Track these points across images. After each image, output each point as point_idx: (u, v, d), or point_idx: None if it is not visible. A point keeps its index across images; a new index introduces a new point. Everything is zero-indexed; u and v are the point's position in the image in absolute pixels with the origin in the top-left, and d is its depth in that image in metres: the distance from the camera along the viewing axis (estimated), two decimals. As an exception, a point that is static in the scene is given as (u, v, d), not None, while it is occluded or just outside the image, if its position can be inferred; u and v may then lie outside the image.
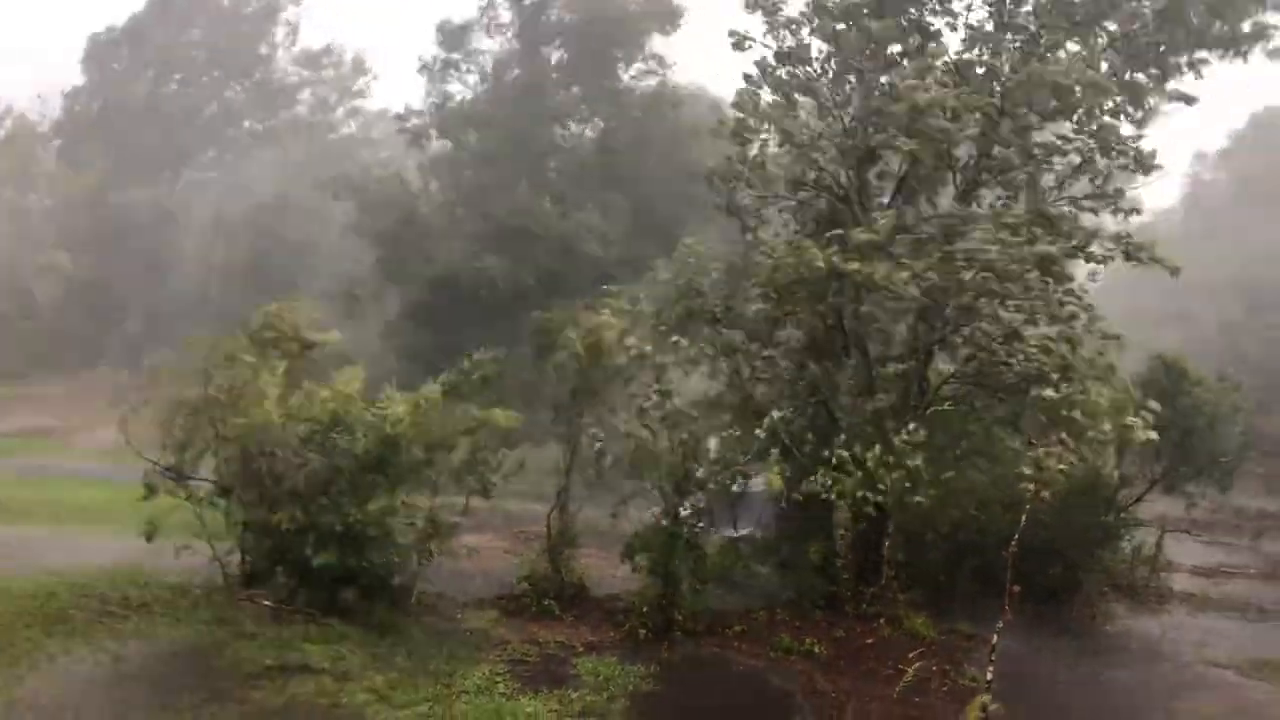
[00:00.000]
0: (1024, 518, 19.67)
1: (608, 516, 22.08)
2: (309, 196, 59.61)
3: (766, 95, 23.95)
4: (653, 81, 50.73)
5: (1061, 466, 17.87)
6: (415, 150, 53.71)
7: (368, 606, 19.03)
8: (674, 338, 22.33)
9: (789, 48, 24.29)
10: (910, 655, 19.06)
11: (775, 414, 21.85)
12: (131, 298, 69.80)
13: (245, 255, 64.59)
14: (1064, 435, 18.62)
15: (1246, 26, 23.97)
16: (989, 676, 15.66)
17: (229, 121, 76.45)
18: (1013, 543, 16.94)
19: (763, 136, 23.23)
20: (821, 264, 20.54)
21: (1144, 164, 22.83)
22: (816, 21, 24.14)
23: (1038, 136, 23.59)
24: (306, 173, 64.20)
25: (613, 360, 21.95)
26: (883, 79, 23.68)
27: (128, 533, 19.00)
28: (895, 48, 23.93)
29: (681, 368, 22.69)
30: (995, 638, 15.72)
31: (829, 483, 20.07)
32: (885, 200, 24.18)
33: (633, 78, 50.91)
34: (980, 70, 23.79)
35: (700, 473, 20.54)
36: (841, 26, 23.86)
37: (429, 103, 52.54)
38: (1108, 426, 19.30)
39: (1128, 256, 23.01)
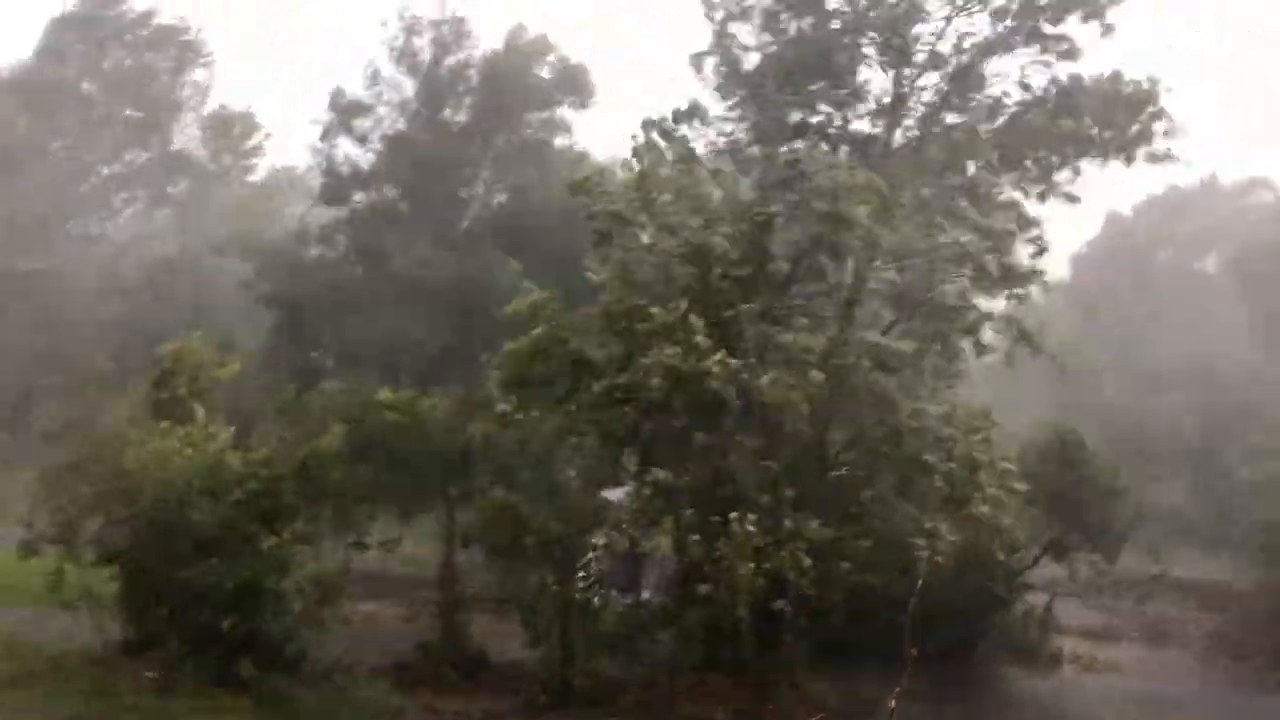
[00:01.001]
0: (919, 582, 20.13)
1: (507, 582, 21.79)
2: (206, 257, 58.37)
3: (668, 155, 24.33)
4: (561, 146, 51.16)
5: (951, 537, 18.41)
6: (317, 210, 53.08)
7: (259, 677, 18.37)
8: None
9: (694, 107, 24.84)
10: (812, 720, 19.15)
11: (660, 473, 21.59)
12: (8, 356, 66.97)
13: (136, 316, 62.69)
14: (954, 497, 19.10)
15: (1134, 129, 25.28)
16: (888, 740, 15.78)
17: (124, 181, 74.57)
18: (910, 606, 17.24)
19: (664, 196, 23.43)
20: (714, 371, 20.55)
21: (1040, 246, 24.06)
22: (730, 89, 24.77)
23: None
24: (205, 232, 62.90)
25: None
26: (783, 149, 24.33)
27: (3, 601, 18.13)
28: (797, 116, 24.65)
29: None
30: (893, 702, 15.88)
31: (725, 550, 19.94)
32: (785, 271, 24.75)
33: (542, 143, 51.22)
34: (880, 146, 24.75)
35: (593, 538, 20.35)
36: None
37: (323, 165, 51.82)
38: (992, 490, 19.88)
39: (1018, 341, 24.11)
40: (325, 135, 50.09)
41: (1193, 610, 33.67)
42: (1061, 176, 25.80)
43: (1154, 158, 25.68)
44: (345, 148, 50.80)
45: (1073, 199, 25.70)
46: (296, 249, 49.33)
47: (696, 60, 26.25)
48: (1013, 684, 25.08)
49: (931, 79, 25.70)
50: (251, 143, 77.53)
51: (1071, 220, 28.99)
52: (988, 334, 24.76)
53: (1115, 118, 25.18)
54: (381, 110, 51.12)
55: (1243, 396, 46.82)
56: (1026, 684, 25.18)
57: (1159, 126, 25.27)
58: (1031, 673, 25.96)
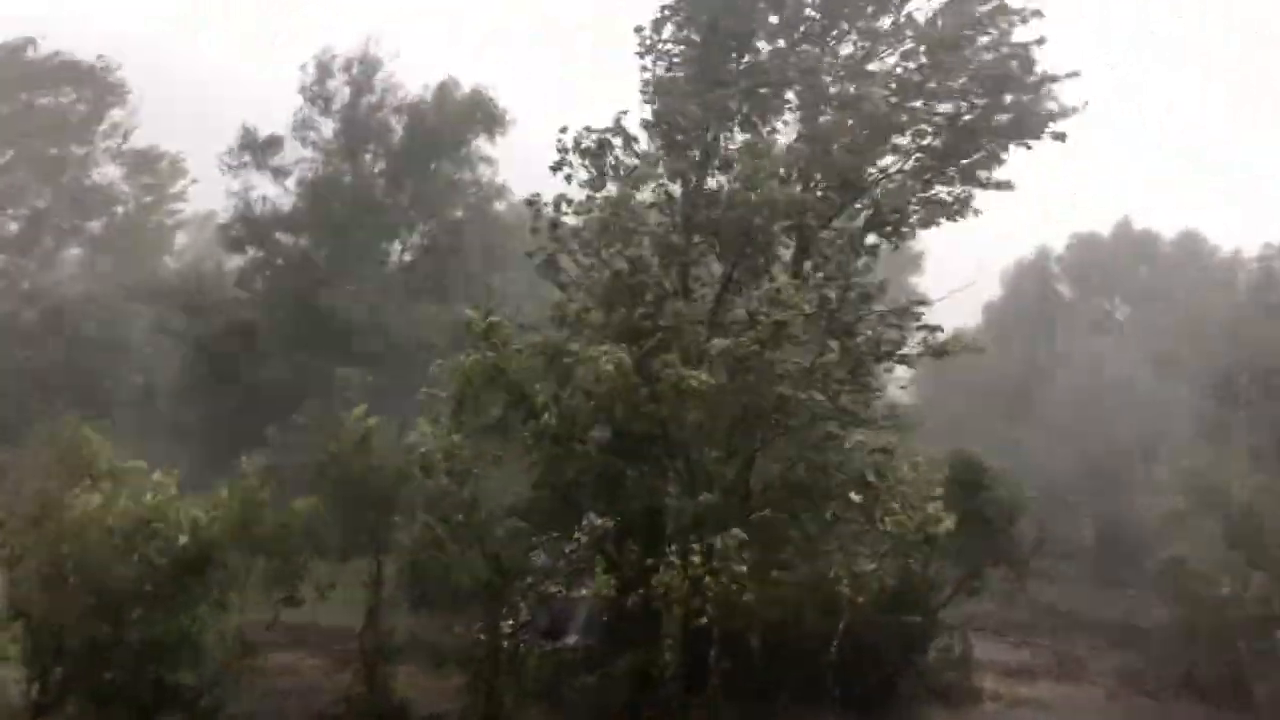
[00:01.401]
0: (841, 624, 20.38)
1: (433, 629, 21.49)
2: (118, 300, 56.98)
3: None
4: (480, 180, 51.39)
5: (872, 566, 18.68)
6: (236, 253, 52.31)
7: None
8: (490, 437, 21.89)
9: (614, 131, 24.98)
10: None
11: (594, 518, 21.57)
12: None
13: (45, 361, 60.78)
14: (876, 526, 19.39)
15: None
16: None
17: (36, 224, 72.46)
18: (832, 648, 17.47)
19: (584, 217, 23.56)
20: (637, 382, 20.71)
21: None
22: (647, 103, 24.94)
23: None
24: (119, 275, 61.44)
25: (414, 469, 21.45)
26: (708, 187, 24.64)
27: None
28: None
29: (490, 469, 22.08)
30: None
31: (657, 591, 19.96)
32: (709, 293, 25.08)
33: (458, 178, 51.39)
34: (798, 178, 25.15)
35: (519, 583, 20.14)
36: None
37: (238, 207, 51.04)
38: (913, 520, 20.24)
39: (935, 354, 24.71)
40: (234, 172, 49.63)
41: (1102, 647, 34.53)
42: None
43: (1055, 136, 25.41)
44: (264, 188, 50.44)
45: (1004, 186, 25.77)
46: (213, 291, 48.69)
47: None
48: (934, 723, 25.38)
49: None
50: (177, 186, 75.94)
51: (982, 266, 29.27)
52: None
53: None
54: (301, 152, 50.92)
55: (1148, 435, 48.58)
56: (948, 723, 25.52)
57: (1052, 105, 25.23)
58: (953, 711, 26.30)
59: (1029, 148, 25.17)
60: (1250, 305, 50.68)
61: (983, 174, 25.57)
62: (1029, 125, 24.89)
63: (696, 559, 19.87)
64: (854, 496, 20.86)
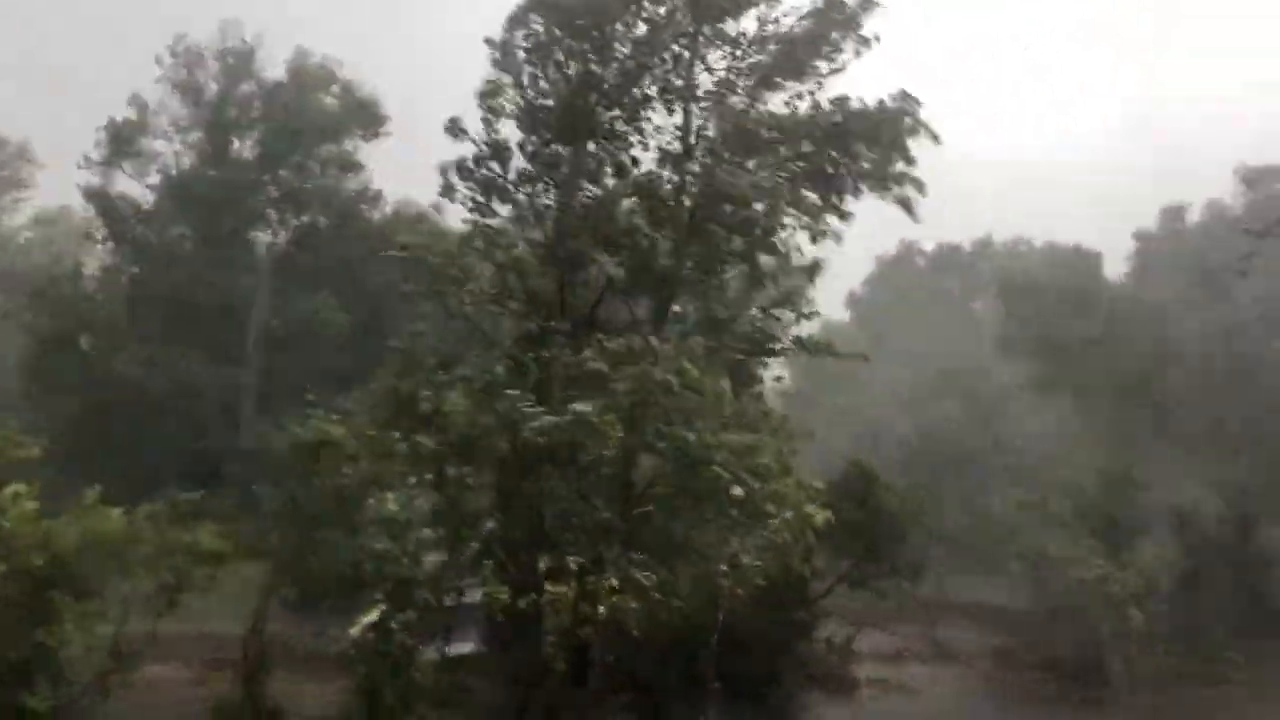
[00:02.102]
0: (720, 616, 20.58)
1: (314, 636, 20.93)
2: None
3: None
4: (354, 183, 50.15)
5: (753, 561, 18.92)
6: (99, 248, 50.03)
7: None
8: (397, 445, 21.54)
9: (490, 147, 24.95)
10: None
11: (489, 524, 21.54)
12: None
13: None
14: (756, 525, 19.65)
15: (899, 166, 26.25)
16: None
17: None
18: (712, 641, 17.52)
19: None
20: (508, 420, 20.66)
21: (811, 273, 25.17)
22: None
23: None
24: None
25: (331, 474, 21.01)
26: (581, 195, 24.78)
27: None
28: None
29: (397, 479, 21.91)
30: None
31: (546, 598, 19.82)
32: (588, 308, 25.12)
33: (332, 177, 50.03)
34: (669, 186, 25.38)
35: (412, 588, 19.74)
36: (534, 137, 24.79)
37: (98, 199, 48.67)
38: (790, 514, 20.58)
39: (809, 351, 25.27)
40: (95, 164, 47.29)
41: (974, 632, 35.84)
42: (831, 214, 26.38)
43: (915, 186, 25.53)
44: (124, 183, 48.24)
45: (845, 214, 26.25)
46: (65, 284, 46.41)
47: (487, 99, 25.87)
48: (815, 710, 25.89)
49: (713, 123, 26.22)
50: (24, 174, 72.15)
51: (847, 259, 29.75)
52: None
53: (877, 149, 25.40)
54: (162, 145, 48.81)
55: (1011, 427, 50.60)
56: (829, 709, 26.05)
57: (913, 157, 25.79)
58: (833, 698, 26.88)
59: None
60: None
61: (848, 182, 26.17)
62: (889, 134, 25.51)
63: (580, 574, 19.65)
64: (736, 491, 21.04)
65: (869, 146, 25.76)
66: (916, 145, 25.50)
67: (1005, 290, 53.65)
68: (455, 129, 25.38)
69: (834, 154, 25.73)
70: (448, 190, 25.76)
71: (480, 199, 25.63)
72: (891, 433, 50.08)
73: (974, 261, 72.86)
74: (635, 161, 25.92)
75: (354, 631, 20.22)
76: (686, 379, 20.94)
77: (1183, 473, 36.56)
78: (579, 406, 20.08)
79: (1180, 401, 42.40)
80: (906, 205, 25.59)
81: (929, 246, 73.81)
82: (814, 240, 25.99)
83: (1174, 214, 54.28)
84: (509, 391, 20.89)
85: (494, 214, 25.84)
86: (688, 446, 21.12)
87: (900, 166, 25.53)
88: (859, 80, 26.36)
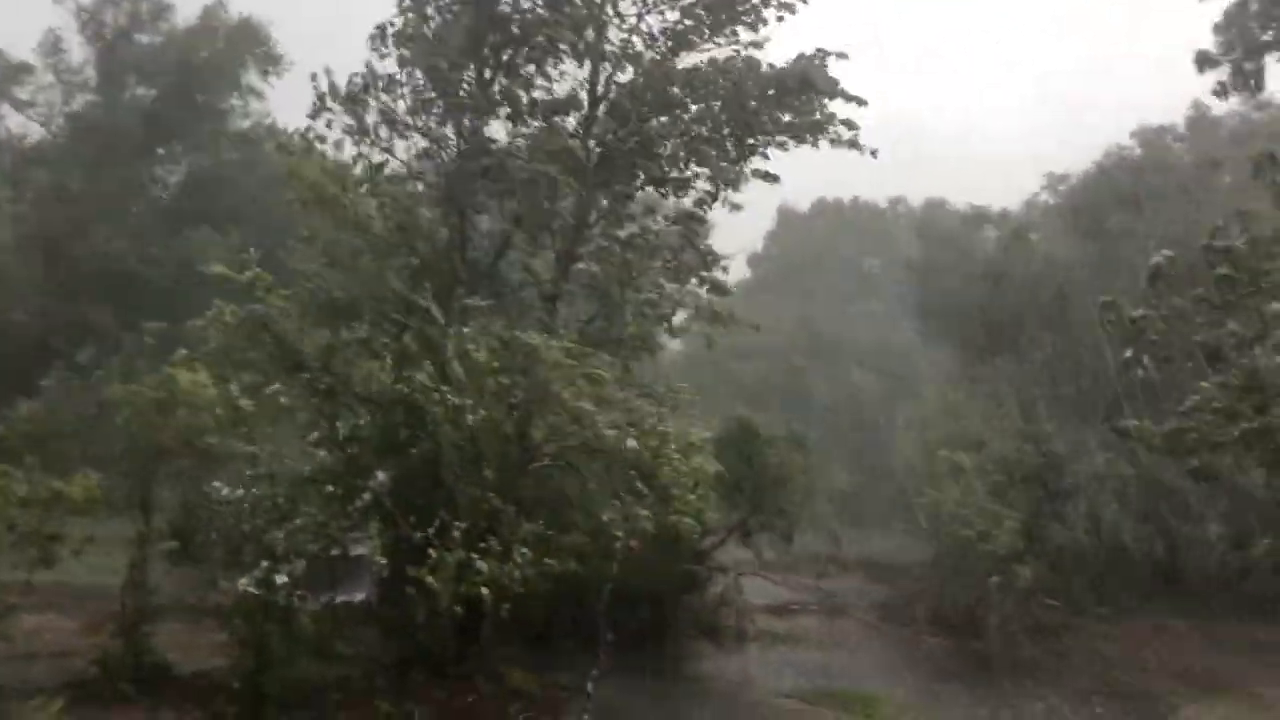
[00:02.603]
0: (614, 567, 20.97)
1: (204, 588, 20.81)
2: None
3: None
4: (248, 120, 49.18)
5: (644, 513, 19.35)
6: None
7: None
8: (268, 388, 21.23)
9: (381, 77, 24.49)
10: (513, 710, 19.57)
11: (380, 476, 21.45)
12: None
13: None
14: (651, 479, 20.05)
15: (816, 115, 26.39)
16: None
17: None
18: (604, 594, 17.84)
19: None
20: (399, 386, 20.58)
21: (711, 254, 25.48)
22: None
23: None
24: None
25: (191, 418, 20.62)
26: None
27: None
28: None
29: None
30: (590, 686, 16.57)
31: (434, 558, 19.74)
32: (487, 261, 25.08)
33: (227, 114, 49.00)
34: (575, 138, 25.35)
35: (284, 538, 19.66)
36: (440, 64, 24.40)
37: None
38: (685, 468, 21.06)
39: (712, 321, 25.65)
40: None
41: (869, 586, 36.96)
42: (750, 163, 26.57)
43: (836, 143, 25.93)
44: (13, 121, 46.61)
45: (771, 178, 26.54)
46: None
47: (379, 33, 25.26)
48: (704, 661, 26.62)
49: (625, 74, 26.13)
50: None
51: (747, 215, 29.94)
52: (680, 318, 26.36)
53: (798, 102, 25.73)
54: (57, 81, 47.16)
55: (902, 381, 51.85)
56: (718, 662, 26.79)
57: (837, 112, 26.05)
58: (722, 649, 27.62)
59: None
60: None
61: (763, 139, 26.39)
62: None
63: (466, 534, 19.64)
64: (630, 444, 21.35)
65: (782, 99, 26.01)
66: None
67: (921, 241, 54.67)
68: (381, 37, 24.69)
69: (752, 105, 25.92)
70: (319, 111, 24.94)
71: (368, 130, 25.10)
72: (789, 393, 50.99)
73: (886, 224, 73.90)
74: (537, 104, 25.80)
75: (243, 583, 20.20)
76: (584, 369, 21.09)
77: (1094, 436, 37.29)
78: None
79: (1076, 362, 43.12)
80: (854, 143, 25.77)
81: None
82: (724, 191, 26.29)
83: (1058, 179, 54.86)
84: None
85: (382, 147, 25.35)
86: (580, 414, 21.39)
87: (828, 108, 25.76)
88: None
